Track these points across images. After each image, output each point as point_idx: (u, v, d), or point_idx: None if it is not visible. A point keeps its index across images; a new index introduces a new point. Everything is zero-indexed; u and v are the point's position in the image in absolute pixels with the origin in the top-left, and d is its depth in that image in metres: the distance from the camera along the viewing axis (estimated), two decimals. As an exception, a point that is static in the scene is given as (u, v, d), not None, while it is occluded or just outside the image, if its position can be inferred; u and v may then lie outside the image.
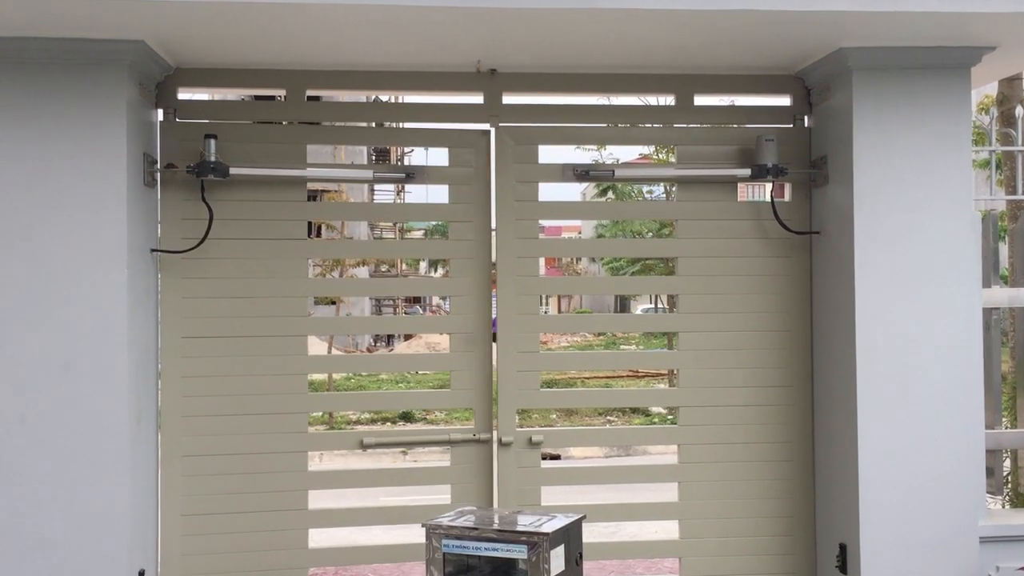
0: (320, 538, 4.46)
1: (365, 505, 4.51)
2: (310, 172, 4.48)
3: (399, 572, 5.10)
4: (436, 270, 51.43)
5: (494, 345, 4.40)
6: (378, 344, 30.48)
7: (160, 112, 4.26)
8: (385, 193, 31.09)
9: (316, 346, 19.92)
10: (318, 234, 25.92)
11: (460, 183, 4.53)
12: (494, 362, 4.48)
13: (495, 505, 4.45)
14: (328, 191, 20.45)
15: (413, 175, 4.70)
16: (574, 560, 3.61)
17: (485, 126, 4.53)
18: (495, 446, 4.48)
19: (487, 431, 4.47)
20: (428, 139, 4.99)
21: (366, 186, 25.31)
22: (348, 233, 21.55)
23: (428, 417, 17.55)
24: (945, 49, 4.06)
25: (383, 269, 30.44)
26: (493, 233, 4.54)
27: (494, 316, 4.44)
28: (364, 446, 4.42)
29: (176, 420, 4.17)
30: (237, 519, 4.26)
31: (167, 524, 4.14)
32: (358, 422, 16.29)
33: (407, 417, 16.89)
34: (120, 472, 3.77)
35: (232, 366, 4.29)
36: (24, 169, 3.74)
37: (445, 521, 3.63)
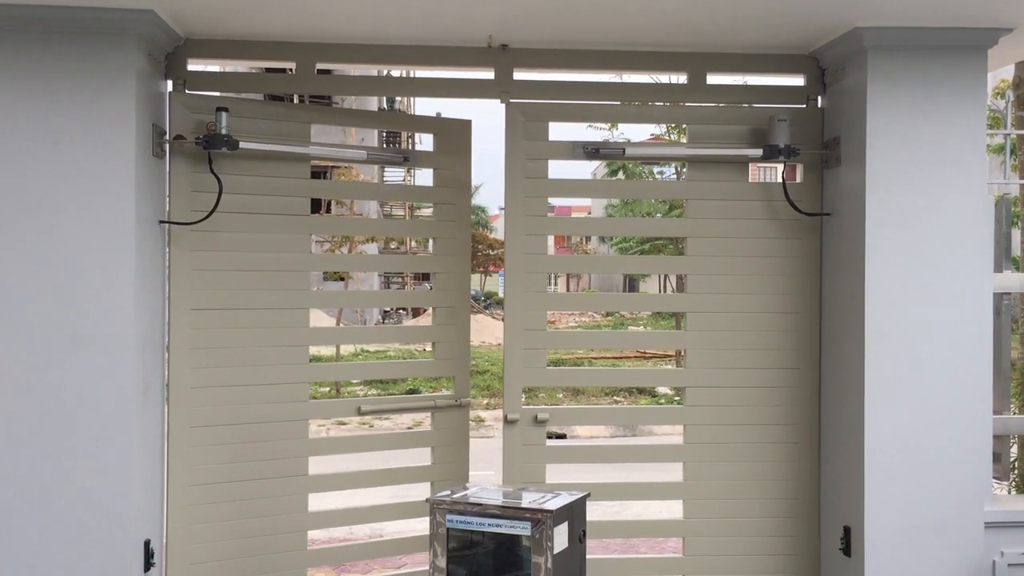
0: (318, 503, 4.56)
1: (358, 469, 4.67)
2: (312, 150, 4.49)
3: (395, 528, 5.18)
4: (445, 248, 51.44)
5: (496, 321, 4.48)
6: (386, 320, 30.55)
7: (169, 83, 4.24)
8: (396, 173, 31.12)
9: (325, 322, 19.97)
10: (327, 210, 25.96)
11: (444, 168, 4.71)
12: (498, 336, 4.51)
13: (470, 466, 4.64)
14: (338, 168, 20.42)
15: (408, 158, 4.89)
16: (577, 538, 3.63)
17: (468, 116, 4.62)
18: (505, 423, 4.54)
19: (466, 397, 4.73)
20: (417, 125, 5.15)
21: (376, 166, 25.33)
22: (357, 210, 21.54)
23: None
24: (962, 30, 4.01)
25: (392, 247, 30.41)
26: (502, 210, 4.57)
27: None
28: (361, 413, 4.66)
29: (184, 391, 4.18)
30: (242, 487, 4.30)
31: (175, 495, 4.16)
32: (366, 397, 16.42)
33: (413, 393, 16.98)
34: (127, 443, 3.79)
35: (238, 338, 4.31)
36: (33, 139, 3.73)
37: (450, 497, 3.64)
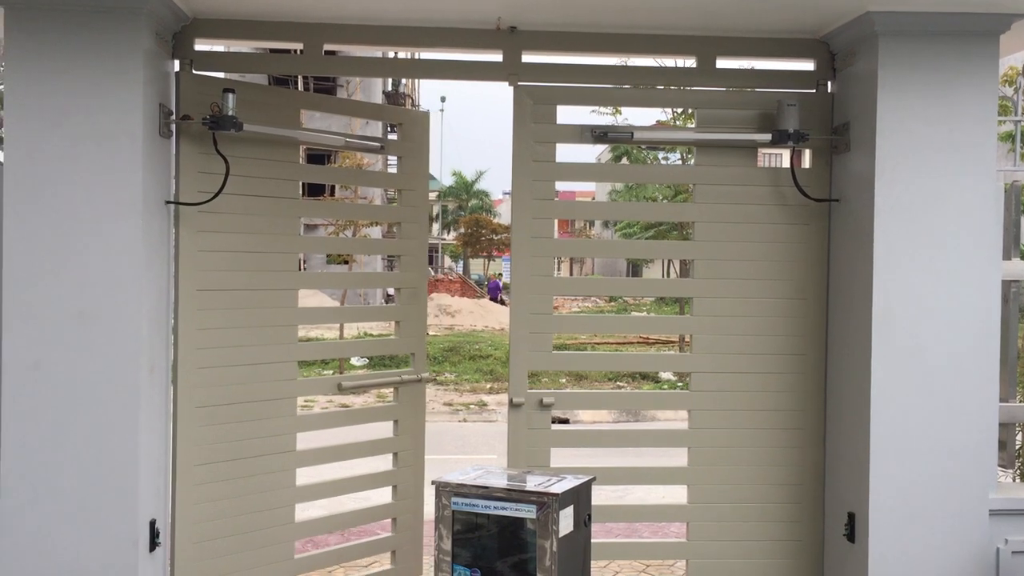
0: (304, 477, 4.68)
1: (333, 444, 4.86)
2: (299, 134, 4.56)
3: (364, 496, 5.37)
4: (449, 232, 51.66)
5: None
6: (389, 303, 30.57)
7: (176, 63, 4.22)
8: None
9: (329, 304, 19.96)
10: (331, 194, 25.95)
11: (407, 156, 4.93)
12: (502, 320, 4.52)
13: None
14: (343, 154, 20.42)
15: (383, 146, 5.01)
16: (582, 521, 3.63)
17: (427, 108, 4.66)
18: (511, 406, 4.51)
19: (424, 371, 5.00)
20: (381, 114, 5.40)
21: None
22: (361, 194, 21.57)
23: (439, 379, 17.67)
24: (974, 16, 3.98)
25: (394, 231, 30.35)
26: (506, 195, 4.59)
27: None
28: (342, 389, 4.92)
29: (191, 371, 4.19)
30: (244, 465, 4.34)
31: (182, 474, 4.17)
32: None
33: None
34: (133, 422, 3.79)
35: (238, 318, 4.34)
36: (40, 117, 3.71)
37: (455, 479, 3.64)
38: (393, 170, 5.15)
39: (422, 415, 5.02)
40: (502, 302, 33.48)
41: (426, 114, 5.02)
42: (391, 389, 5.03)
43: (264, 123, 4.30)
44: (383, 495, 5.01)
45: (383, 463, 5.02)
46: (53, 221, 3.72)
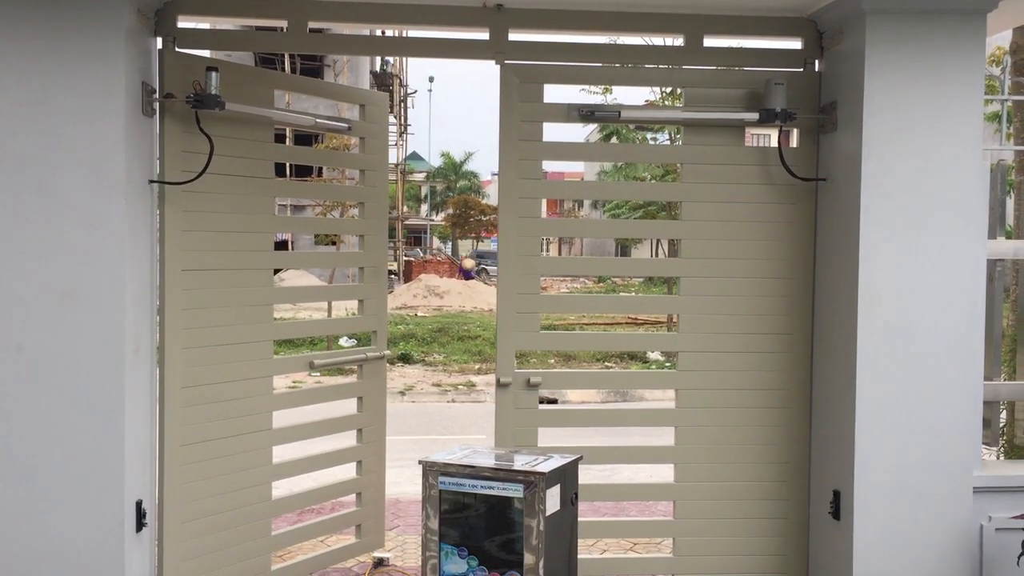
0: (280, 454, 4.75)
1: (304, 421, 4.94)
2: (274, 114, 4.56)
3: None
4: (437, 212, 51.60)
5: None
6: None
7: (159, 40, 4.17)
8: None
9: (316, 284, 19.91)
10: (319, 174, 25.85)
11: (370, 137, 5.08)
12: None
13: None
14: (331, 134, 20.35)
15: (351, 127, 5.07)
16: (569, 500, 3.64)
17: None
18: (498, 386, 4.50)
19: (385, 349, 5.20)
20: (348, 96, 5.34)
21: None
22: (349, 175, 21.50)
23: (427, 360, 17.70)
24: (962, -7, 3.97)
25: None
26: (495, 176, 4.55)
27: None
28: (313, 367, 5.04)
29: (176, 352, 4.17)
30: (222, 444, 4.36)
31: (169, 455, 4.16)
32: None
33: (406, 358, 17.16)
34: (117, 403, 3.77)
35: (220, 298, 4.34)
36: (21, 96, 3.67)
37: (442, 459, 3.65)
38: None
39: (383, 392, 5.16)
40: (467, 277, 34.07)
41: (386, 96, 5.16)
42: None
43: (239, 102, 4.26)
44: (351, 471, 5.13)
45: (352, 439, 5.12)
46: (34, 201, 3.69)
